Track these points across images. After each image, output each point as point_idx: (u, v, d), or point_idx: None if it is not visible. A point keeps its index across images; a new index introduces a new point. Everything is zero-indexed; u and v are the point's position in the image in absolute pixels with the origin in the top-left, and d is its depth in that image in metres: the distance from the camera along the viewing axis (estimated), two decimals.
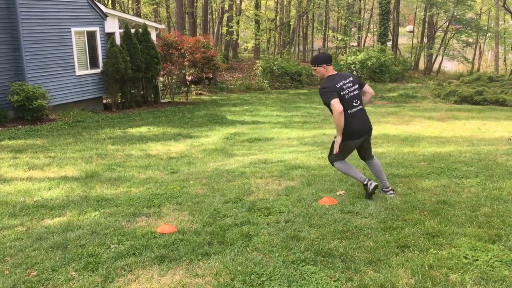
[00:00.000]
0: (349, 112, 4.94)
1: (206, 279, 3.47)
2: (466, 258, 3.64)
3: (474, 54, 34.62)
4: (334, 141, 5.09)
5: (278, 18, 34.76)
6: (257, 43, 32.44)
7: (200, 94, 22.15)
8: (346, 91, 4.95)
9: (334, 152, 5.08)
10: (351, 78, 5.07)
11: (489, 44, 37.00)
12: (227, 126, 13.15)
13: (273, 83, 24.79)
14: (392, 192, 5.32)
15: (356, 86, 5.04)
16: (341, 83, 4.95)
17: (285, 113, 15.99)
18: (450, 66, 35.03)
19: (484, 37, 34.55)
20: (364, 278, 3.39)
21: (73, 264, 3.78)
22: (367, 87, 5.23)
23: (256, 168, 7.18)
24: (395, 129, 12.09)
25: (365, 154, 5.33)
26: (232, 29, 30.48)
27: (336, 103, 4.80)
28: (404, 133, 11.10)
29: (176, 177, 6.84)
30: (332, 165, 5.36)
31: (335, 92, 4.87)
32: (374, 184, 5.12)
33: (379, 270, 3.50)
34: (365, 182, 5.15)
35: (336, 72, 5.09)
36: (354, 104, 4.99)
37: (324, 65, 5.02)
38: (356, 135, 5.03)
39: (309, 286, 3.32)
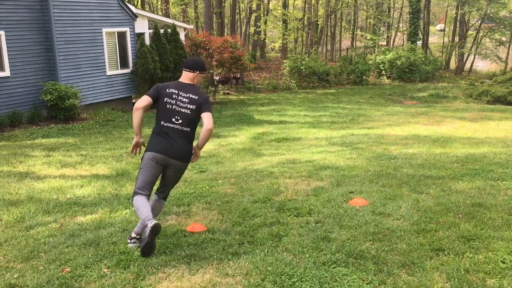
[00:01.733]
0: (161, 123, 4.13)
1: (237, 279, 3.46)
2: (503, 262, 3.53)
3: (508, 53, 33.62)
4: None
5: (306, 18, 34.59)
6: (284, 42, 32.34)
7: (228, 93, 22.22)
8: (173, 102, 4.11)
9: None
10: (194, 96, 4.12)
11: None
12: (254, 126, 13.14)
13: (300, 82, 24.67)
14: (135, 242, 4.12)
15: (194, 107, 4.09)
16: (175, 91, 4.13)
17: (312, 113, 15.88)
18: (482, 65, 34.15)
19: None
20: (398, 281, 3.32)
21: (105, 261, 3.83)
22: (206, 116, 4.08)
23: (284, 168, 7.15)
24: (425, 129, 11.86)
25: (162, 187, 4.25)
26: (259, 29, 30.49)
27: (143, 99, 4.12)
28: (436, 133, 10.87)
29: (204, 176, 6.86)
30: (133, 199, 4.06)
31: (156, 92, 4.14)
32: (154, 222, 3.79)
33: (413, 274, 3.42)
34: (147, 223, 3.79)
35: (188, 82, 4.21)
36: (174, 120, 4.09)
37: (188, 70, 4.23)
38: (156, 152, 4.06)
39: None
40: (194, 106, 4.10)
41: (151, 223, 3.72)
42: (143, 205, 3.96)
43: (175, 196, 5.62)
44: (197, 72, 4.22)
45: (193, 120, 4.13)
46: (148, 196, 4.08)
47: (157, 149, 4.06)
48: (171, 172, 4.14)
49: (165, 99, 4.12)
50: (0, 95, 12.36)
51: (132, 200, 4.07)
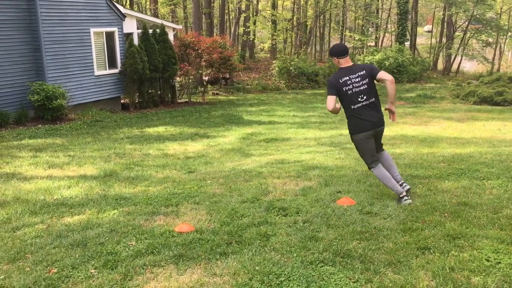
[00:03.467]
0: (352, 107, 4.98)
1: (224, 279, 3.46)
2: (488, 260, 3.58)
3: (494, 54, 34.04)
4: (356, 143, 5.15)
5: (295, 18, 34.68)
6: (273, 43, 32.43)
7: (217, 94, 22.21)
8: (350, 86, 4.92)
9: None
10: (361, 73, 4.94)
11: (510, 44, 36.35)
12: (243, 126, 13.16)
13: (289, 83, 24.75)
14: (405, 185, 5.16)
15: (366, 80, 4.93)
16: (346, 78, 4.92)
17: (301, 113, 15.94)
18: (469, 66, 34.53)
19: (505, 37, 33.93)
20: (384, 279, 3.35)
21: (93, 262, 3.81)
22: (382, 74, 4.95)
23: (273, 168, 7.17)
24: (413, 129, 11.96)
25: (377, 147, 5.29)
26: (249, 29, 30.52)
27: (329, 100, 4.94)
28: (423, 133, 10.97)
29: (193, 177, 6.86)
30: (372, 171, 5.20)
31: (334, 89, 4.94)
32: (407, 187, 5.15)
33: (399, 272, 3.46)
34: (402, 195, 4.98)
35: (350, 64, 5.02)
36: (360, 99, 4.94)
37: (335, 58, 5.05)
38: (364, 129, 5.01)
39: (328, 287, 3.29)
40: (367, 79, 4.93)
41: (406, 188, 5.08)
42: (388, 177, 5.04)
43: (164, 197, 5.62)
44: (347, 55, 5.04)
45: (374, 90, 5.02)
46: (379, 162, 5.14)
47: (367, 128, 5.00)
48: (379, 136, 5.22)
49: (344, 88, 4.92)
50: None
51: (374, 173, 5.11)
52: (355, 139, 5.10)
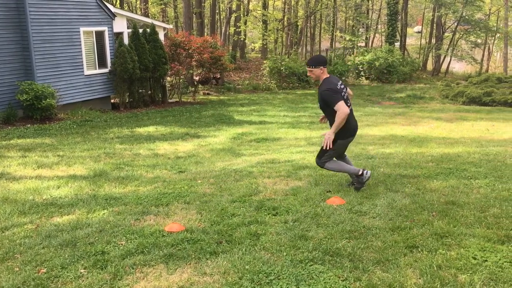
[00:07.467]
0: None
1: (214, 278, 3.48)
2: (475, 258, 3.63)
3: (483, 55, 34.37)
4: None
5: (285, 19, 34.72)
6: (264, 43, 32.41)
7: (208, 94, 22.19)
8: (343, 92, 5.17)
9: (328, 148, 5.09)
10: (341, 81, 5.27)
11: (498, 45, 36.71)
12: (234, 126, 13.16)
13: (280, 83, 24.79)
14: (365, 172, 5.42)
15: (346, 88, 5.30)
16: (339, 85, 5.15)
17: (292, 113, 15.98)
18: (458, 67, 34.81)
19: (493, 38, 34.30)
20: (373, 278, 3.38)
21: (82, 262, 3.81)
22: (349, 90, 5.45)
23: (263, 167, 7.19)
24: (403, 129, 12.05)
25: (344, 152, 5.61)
26: (239, 29, 30.51)
27: (342, 105, 4.98)
28: (412, 133, 11.06)
29: (183, 177, 6.85)
30: (322, 167, 5.48)
31: (339, 94, 5.05)
32: (369, 172, 5.41)
33: (388, 270, 3.49)
34: (360, 172, 5.34)
35: (329, 74, 5.27)
36: (349, 104, 5.20)
37: (321, 67, 5.17)
38: (353, 133, 5.32)
39: (317, 285, 3.32)
40: (345, 87, 5.30)
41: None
42: (342, 163, 5.46)
43: (154, 196, 5.62)
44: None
45: None
46: None
47: (354, 132, 5.35)
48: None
49: (342, 94, 5.11)
50: None
51: (329, 167, 5.43)
52: (341, 143, 5.27)
